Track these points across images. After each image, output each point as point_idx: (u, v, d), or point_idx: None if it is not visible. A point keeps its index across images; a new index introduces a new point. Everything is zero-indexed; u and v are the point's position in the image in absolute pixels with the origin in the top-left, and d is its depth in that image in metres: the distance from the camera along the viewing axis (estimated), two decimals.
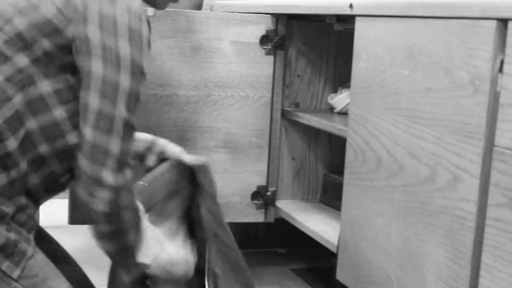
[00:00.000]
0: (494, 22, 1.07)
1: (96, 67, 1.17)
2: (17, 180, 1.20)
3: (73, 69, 1.21)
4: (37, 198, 1.26)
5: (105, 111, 1.17)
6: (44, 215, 2.30)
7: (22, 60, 1.19)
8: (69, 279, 1.30)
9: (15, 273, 1.20)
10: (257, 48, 1.88)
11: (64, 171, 1.26)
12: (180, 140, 1.85)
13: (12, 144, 1.19)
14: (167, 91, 1.81)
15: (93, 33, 1.17)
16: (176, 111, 1.84)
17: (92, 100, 1.17)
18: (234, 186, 1.91)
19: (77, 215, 2.13)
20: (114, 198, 1.17)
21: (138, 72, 1.19)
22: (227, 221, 1.96)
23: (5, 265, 1.19)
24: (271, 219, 1.98)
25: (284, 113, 1.96)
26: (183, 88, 1.83)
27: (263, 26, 1.88)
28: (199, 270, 1.42)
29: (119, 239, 1.23)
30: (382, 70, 1.36)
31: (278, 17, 1.90)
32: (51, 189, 1.27)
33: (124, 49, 1.17)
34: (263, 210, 1.96)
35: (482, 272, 1.10)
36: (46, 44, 1.19)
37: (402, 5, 1.29)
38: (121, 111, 1.17)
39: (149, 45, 1.24)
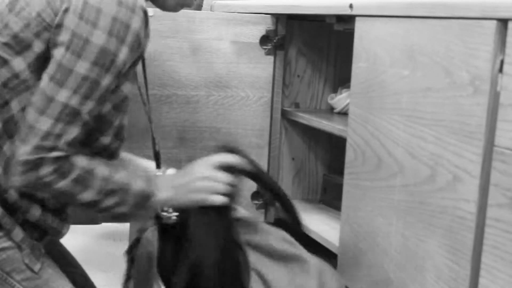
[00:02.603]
0: (494, 22, 1.07)
1: (58, 53, 1.15)
2: None
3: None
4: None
5: (47, 93, 1.14)
6: None
7: (19, 64, 1.19)
8: (71, 280, 1.31)
9: (36, 267, 1.22)
10: (257, 48, 1.88)
11: None
12: (180, 140, 1.85)
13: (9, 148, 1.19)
14: (167, 91, 1.82)
15: (70, 21, 1.15)
16: (176, 111, 1.84)
17: (42, 82, 1.15)
18: None
19: (77, 215, 2.12)
20: (27, 169, 1.12)
21: (106, 62, 1.15)
22: None
23: (28, 259, 1.21)
24: (271, 219, 1.98)
25: (284, 113, 1.96)
26: (183, 88, 1.84)
27: (263, 26, 1.88)
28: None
29: (71, 203, 1.21)
30: (382, 70, 1.36)
31: (278, 17, 1.90)
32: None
33: (97, 38, 1.14)
34: (263, 210, 1.96)
35: (482, 272, 1.10)
36: (38, 45, 1.18)
37: (402, 5, 1.29)
38: (63, 95, 1.13)
39: (141, 39, 1.20)
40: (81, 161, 1.17)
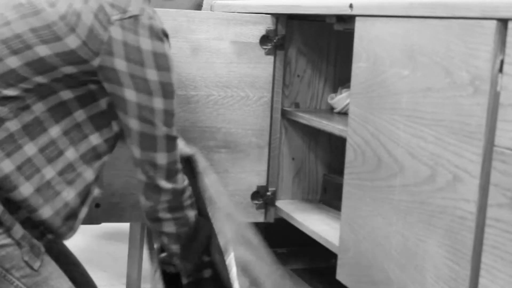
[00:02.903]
0: (494, 22, 1.07)
1: (129, 95, 1.24)
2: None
3: (94, 81, 1.26)
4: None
5: (146, 132, 1.27)
6: None
7: (41, 80, 1.22)
8: (72, 278, 1.31)
9: (36, 264, 1.23)
10: (257, 48, 1.88)
11: (93, 175, 1.31)
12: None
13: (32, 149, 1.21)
14: None
15: (120, 65, 1.22)
16: (176, 111, 1.84)
17: (133, 124, 1.26)
18: (234, 186, 1.91)
19: None
20: (173, 199, 1.33)
21: (169, 92, 1.27)
22: None
23: (27, 256, 1.22)
24: (271, 219, 1.98)
25: (284, 113, 1.96)
26: (183, 88, 1.84)
27: (263, 26, 1.88)
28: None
29: (184, 228, 1.39)
30: (382, 70, 1.36)
31: (278, 17, 1.90)
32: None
33: (152, 75, 1.24)
34: (263, 210, 1.96)
35: (482, 272, 1.10)
36: (69, 69, 1.23)
37: (402, 5, 1.29)
38: (160, 129, 1.27)
39: (171, 60, 1.29)
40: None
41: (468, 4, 1.12)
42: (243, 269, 1.44)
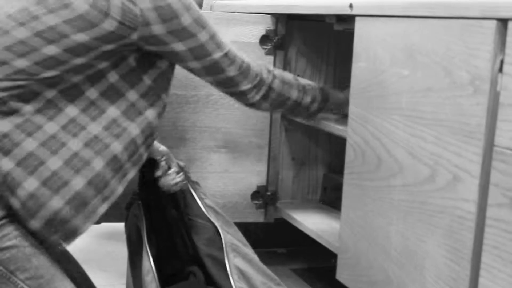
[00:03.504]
0: (494, 22, 1.07)
1: (178, 47, 1.34)
2: None
3: (132, 53, 1.31)
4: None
5: (208, 64, 1.40)
6: None
7: (80, 61, 1.26)
8: (72, 280, 1.31)
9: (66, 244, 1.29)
10: (257, 48, 1.88)
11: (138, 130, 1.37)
12: (180, 140, 1.85)
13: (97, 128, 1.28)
14: None
15: (159, 29, 1.31)
16: (176, 111, 1.84)
17: (194, 65, 1.39)
18: (234, 186, 1.91)
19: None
20: (257, 87, 1.49)
21: (203, 22, 1.36)
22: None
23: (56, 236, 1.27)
24: (271, 219, 1.98)
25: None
26: (183, 88, 1.83)
27: (263, 26, 1.88)
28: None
29: (285, 103, 1.57)
30: (382, 70, 1.36)
31: (278, 17, 1.90)
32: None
33: (187, 20, 1.32)
34: (263, 210, 1.96)
35: (482, 272, 1.10)
36: (108, 47, 1.27)
37: (402, 5, 1.29)
38: (217, 54, 1.39)
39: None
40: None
41: (468, 4, 1.12)
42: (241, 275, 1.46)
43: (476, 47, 1.10)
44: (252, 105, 1.54)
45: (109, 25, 1.25)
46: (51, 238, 1.25)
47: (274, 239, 2.32)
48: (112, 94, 1.30)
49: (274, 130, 1.94)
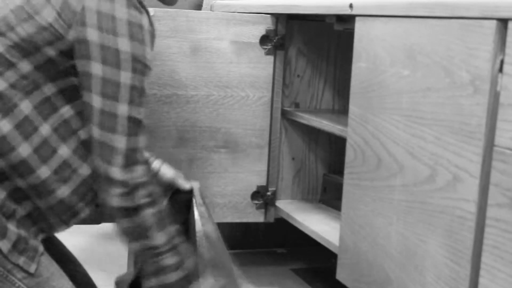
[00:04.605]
0: (494, 22, 1.07)
1: (95, 69, 1.17)
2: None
3: (76, 72, 1.22)
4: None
5: (107, 110, 1.17)
6: None
7: (26, 66, 1.19)
8: (72, 279, 1.31)
9: (32, 267, 1.21)
10: (257, 48, 1.88)
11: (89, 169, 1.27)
12: (180, 140, 1.85)
13: (26, 150, 1.19)
14: (167, 91, 1.82)
15: (92, 35, 1.17)
16: (176, 111, 1.84)
17: (95, 101, 1.18)
18: (234, 186, 1.91)
19: None
20: (126, 192, 1.18)
21: (140, 67, 1.19)
22: (227, 221, 1.96)
23: (22, 260, 1.20)
24: (271, 219, 1.98)
25: (284, 113, 1.96)
26: (183, 88, 1.83)
27: (263, 26, 1.88)
28: None
29: (142, 238, 1.23)
30: (382, 70, 1.36)
31: (278, 17, 1.90)
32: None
33: (124, 45, 1.17)
34: (263, 210, 1.96)
35: (482, 272, 1.10)
36: (49, 51, 1.19)
37: (402, 5, 1.29)
38: (123, 109, 1.18)
39: (151, 36, 1.23)
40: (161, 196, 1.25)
41: (468, 4, 1.12)
42: None
43: (476, 47, 1.11)
44: (103, 204, 1.22)
45: (48, 14, 1.17)
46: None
47: (274, 239, 2.32)
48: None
49: (274, 130, 1.94)
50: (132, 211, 1.20)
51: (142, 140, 1.21)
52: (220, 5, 2.06)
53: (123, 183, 1.18)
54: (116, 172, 1.18)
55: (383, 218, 1.36)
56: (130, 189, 1.18)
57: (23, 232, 1.21)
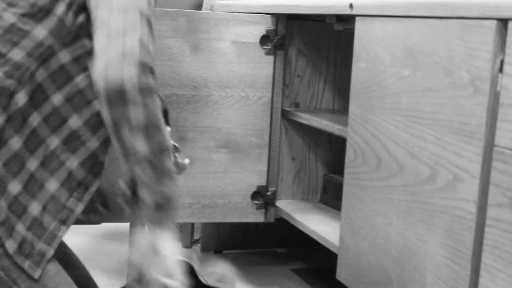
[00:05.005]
0: (494, 22, 1.07)
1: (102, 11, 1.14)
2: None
3: (88, 33, 1.21)
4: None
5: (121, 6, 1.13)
6: None
7: (40, 32, 1.20)
8: (77, 282, 1.30)
9: (37, 273, 1.19)
10: (257, 48, 1.88)
11: (99, 144, 1.27)
12: (180, 140, 1.85)
13: (35, 119, 1.20)
14: (167, 91, 1.82)
15: None
16: (176, 111, 1.84)
17: (103, 12, 1.14)
18: (234, 186, 1.91)
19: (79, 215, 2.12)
20: (143, 72, 1.10)
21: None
22: (227, 221, 1.96)
23: (27, 264, 1.19)
24: (271, 219, 1.98)
25: (284, 113, 1.96)
26: (183, 88, 1.83)
27: (263, 26, 1.88)
28: None
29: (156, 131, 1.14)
30: (382, 70, 1.36)
31: (278, 17, 1.90)
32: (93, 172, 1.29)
33: None
34: (263, 210, 1.96)
35: (482, 272, 1.10)
36: (58, 10, 1.20)
37: (402, 5, 1.29)
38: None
39: None
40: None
41: (468, 4, 1.12)
42: None
43: (476, 47, 1.11)
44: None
45: None
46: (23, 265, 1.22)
47: (274, 239, 2.32)
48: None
49: (274, 130, 1.94)
50: (147, 91, 1.10)
51: (150, 36, 1.14)
52: (220, 5, 2.06)
53: (139, 63, 1.09)
54: (135, 49, 1.10)
55: (383, 218, 1.36)
56: (148, 69, 1.11)
57: (30, 235, 1.20)
